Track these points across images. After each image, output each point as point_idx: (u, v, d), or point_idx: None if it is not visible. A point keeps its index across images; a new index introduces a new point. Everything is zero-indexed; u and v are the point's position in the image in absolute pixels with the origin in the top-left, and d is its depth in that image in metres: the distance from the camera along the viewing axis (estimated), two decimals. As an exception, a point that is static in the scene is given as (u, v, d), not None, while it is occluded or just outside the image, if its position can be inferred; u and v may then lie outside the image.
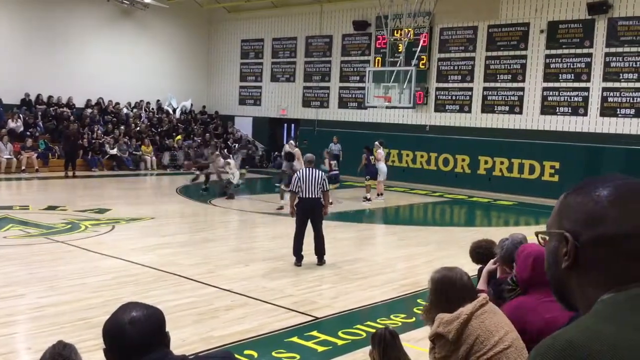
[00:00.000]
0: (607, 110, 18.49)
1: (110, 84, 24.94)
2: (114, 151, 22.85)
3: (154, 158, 23.70)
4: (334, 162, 17.23)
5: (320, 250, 9.57)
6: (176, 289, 7.86)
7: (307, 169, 9.64)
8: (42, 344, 4.08)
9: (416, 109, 21.59)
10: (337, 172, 16.88)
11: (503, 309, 3.57)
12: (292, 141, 20.60)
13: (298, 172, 9.73)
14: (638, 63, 17.90)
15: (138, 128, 24.74)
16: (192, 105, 28.06)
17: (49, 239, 10.60)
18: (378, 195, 17.21)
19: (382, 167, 17.06)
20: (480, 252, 5.19)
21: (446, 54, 21.69)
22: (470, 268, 7.07)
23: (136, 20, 26.08)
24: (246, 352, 5.79)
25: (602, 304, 1.14)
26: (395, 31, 20.49)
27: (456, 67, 21.49)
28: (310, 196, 9.37)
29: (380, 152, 17.16)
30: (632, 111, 18.06)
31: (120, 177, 21.20)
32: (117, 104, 25.40)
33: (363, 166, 17.50)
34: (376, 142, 17.38)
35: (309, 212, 9.45)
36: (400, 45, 20.46)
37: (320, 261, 9.56)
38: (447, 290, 3.19)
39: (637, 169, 16.32)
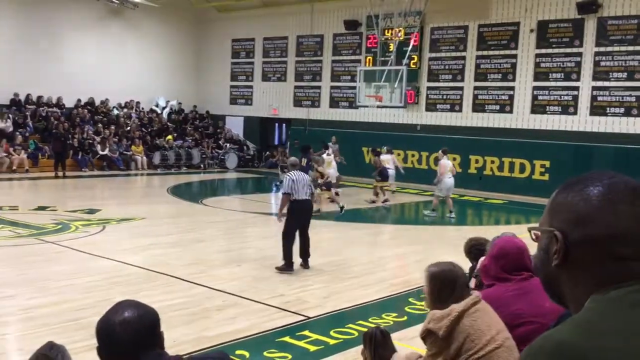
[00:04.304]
0: (597, 109, 18.57)
1: (100, 84, 24.82)
2: (105, 151, 22.73)
3: (144, 158, 23.60)
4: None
5: (307, 252, 9.34)
6: (167, 289, 7.83)
7: (296, 171, 9.53)
8: (32, 346, 4.05)
9: (407, 109, 21.61)
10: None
11: None
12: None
13: (291, 174, 9.47)
14: (627, 62, 18.00)
15: (128, 128, 24.64)
16: (179, 104, 27.94)
17: (39, 239, 10.53)
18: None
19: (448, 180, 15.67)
20: (476, 250, 5.21)
21: (437, 53, 21.72)
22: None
23: (126, 20, 25.97)
24: (238, 352, 5.77)
25: (593, 303, 1.14)
26: (386, 30, 20.50)
27: (447, 67, 21.52)
28: (304, 197, 9.28)
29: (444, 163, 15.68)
30: (622, 110, 18.15)
31: (110, 177, 21.11)
32: (107, 99, 25.27)
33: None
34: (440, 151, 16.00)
35: (305, 214, 9.35)
36: (391, 44, 20.49)
37: (306, 264, 9.33)
38: (451, 284, 3.17)
39: (626, 167, 16.44)
